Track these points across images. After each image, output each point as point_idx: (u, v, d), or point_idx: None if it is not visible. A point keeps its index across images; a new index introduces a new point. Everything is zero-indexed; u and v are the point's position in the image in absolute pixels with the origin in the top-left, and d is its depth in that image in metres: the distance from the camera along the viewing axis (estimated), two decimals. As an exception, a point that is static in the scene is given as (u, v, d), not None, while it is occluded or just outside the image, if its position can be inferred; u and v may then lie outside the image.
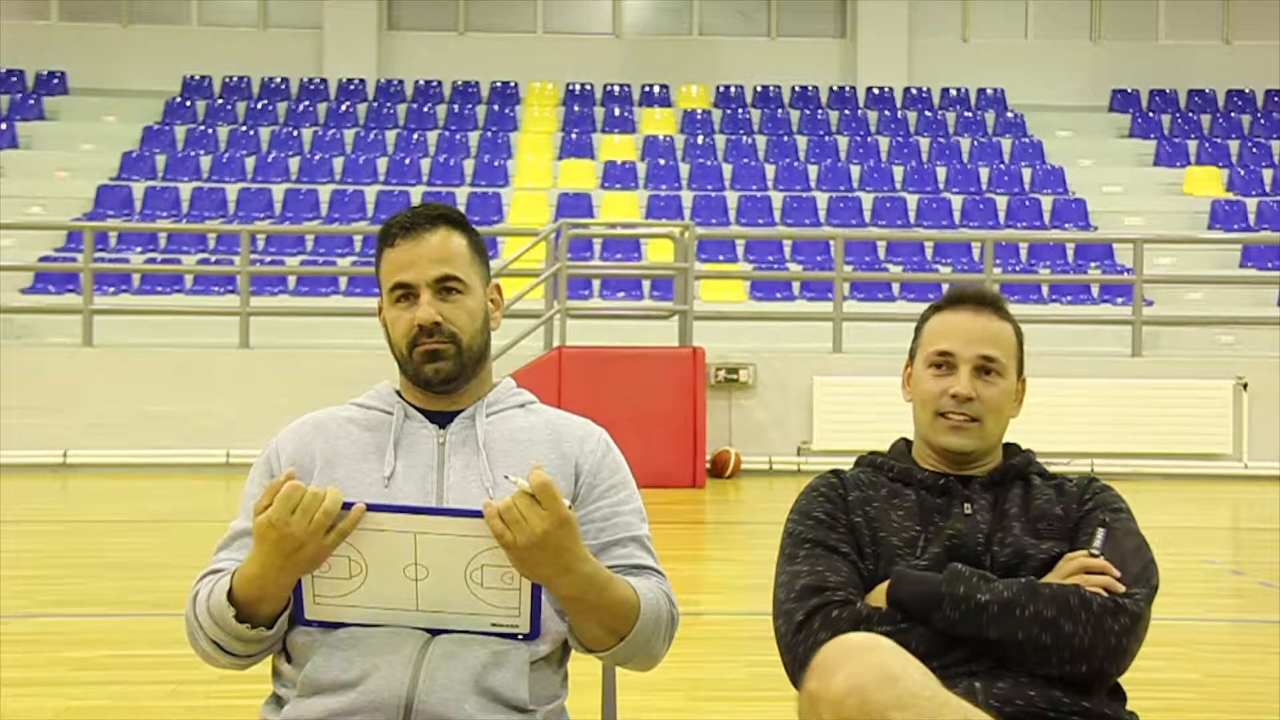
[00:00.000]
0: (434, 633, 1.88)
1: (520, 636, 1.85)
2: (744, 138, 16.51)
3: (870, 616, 1.99)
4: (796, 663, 1.99)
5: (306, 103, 16.93)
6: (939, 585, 1.99)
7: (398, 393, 2.12)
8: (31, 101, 16.59)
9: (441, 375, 2.04)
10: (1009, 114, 17.09)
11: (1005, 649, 1.95)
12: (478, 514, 1.78)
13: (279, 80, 17.24)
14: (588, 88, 17.43)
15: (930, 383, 2.20)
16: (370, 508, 1.80)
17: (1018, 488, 2.19)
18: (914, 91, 17.47)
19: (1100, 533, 2.07)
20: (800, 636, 2.00)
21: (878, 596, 2.04)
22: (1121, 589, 1.99)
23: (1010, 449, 2.27)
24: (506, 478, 1.83)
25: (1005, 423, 2.22)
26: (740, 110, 17.20)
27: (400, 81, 17.39)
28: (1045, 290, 13.40)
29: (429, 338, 2.03)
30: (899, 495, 2.17)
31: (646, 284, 13.48)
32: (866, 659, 1.68)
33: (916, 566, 2.07)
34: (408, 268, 2.04)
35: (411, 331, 2.03)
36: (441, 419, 2.07)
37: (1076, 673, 1.95)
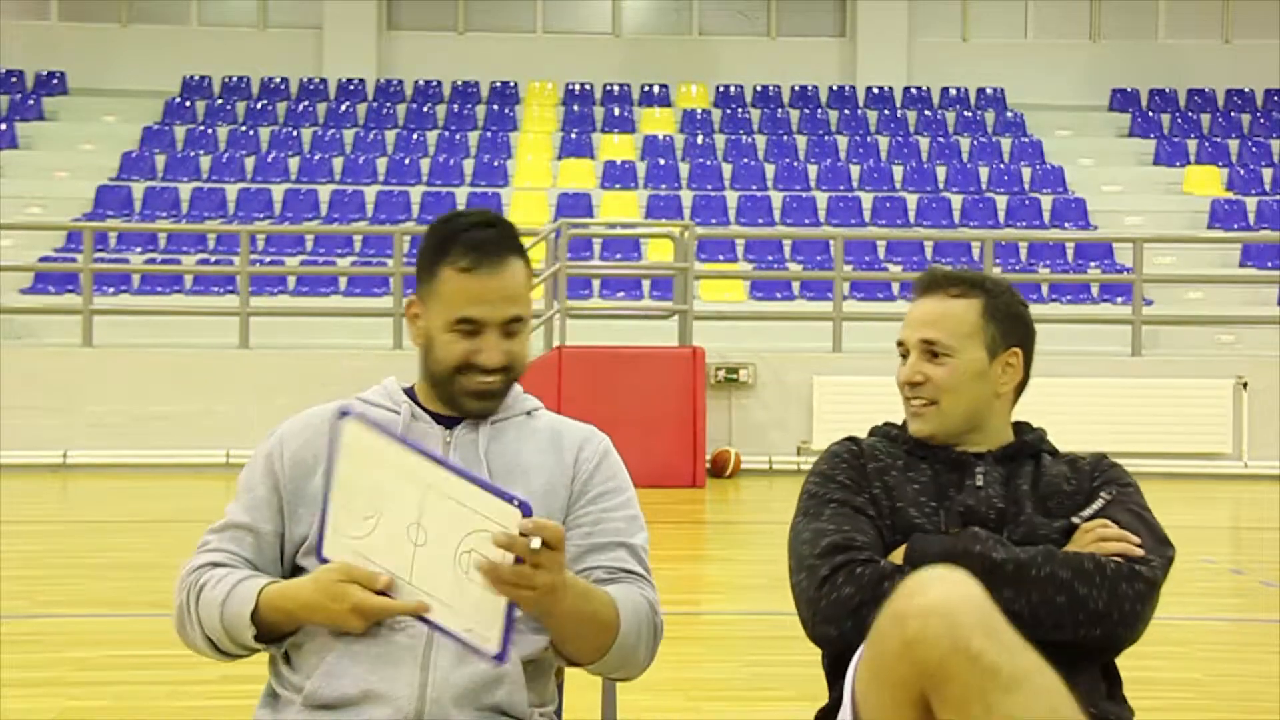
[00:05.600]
0: (432, 631, 1.88)
1: (490, 656, 1.74)
2: (744, 137, 16.51)
3: (894, 573, 1.99)
4: (817, 615, 2.02)
5: (306, 103, 16.93)
6: (955, 544, 2.00)
7: (406, 391, 2.10)
8: (31, 101, 16.58)
9: (487, 410, 2.04)
10: (1009, 113, 17.09)
11: (1020, 611, 1.92)
12: (495, 490, 1.71)
13: (279, 80, 17.24)
14: (587, 88, 17.43)
15: (899, 372, 2.23)
16: (408, 444, 1.78)
17: (1029, 465, 2.19)
18: (914, 91, 17.47)
19: (1098, 503, 2.09)
20: (824, 590, 2.02)
21: (896, 558, 2.06)
22: (1139, 553, 2.02)
23: (1021, 427, 2.28)
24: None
25: (976, 398, 2.19)
26: (740, 110, 17.20)
27: (400, 81, 17.39)
28: (1045, 290, 13.39)
29: (486, 375, 1.99)
30: (914, 469, 2.18)
31: (646, 284, 13.48)
32: (960, 586, 1.69)
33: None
34: (479, 302, 1.97)
35: (464, 361, 1.99)
36: (449, 420, 2.05)
37: (1090, 637, 1.96)
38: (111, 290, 13.05)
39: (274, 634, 1.93)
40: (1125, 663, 2.08)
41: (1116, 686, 2.08)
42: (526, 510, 1.68)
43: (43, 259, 13.28)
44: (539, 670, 1.98)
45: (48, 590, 5.73)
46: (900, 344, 2.23)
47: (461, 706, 1.87)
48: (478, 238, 1.98)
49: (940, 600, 1.65)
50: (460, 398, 2.01)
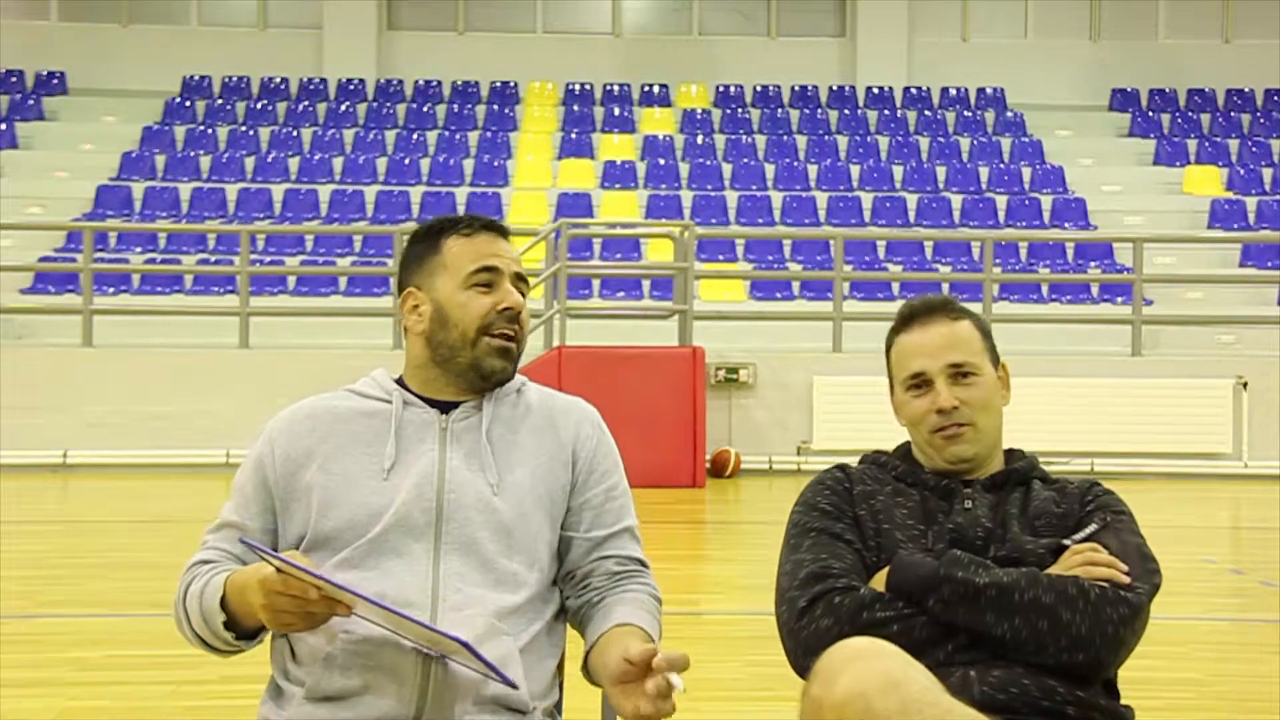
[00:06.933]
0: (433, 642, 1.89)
1: (515, 687, 1.89)
2: (744, 137, 16.51)
3: (873, 602, 2.00)
4: (799, 648, 2.02)
5: (306, 103, 16.93)
6: (937, 569, 1.99)
7: (396, 380, 2.10)
8: (31, 101, 16.59)
9: (506, 374, 2.07)
10: (1009, 113, 17.09)
11: (1002, 636, 1.95)
12: (447, 636, 1.79)
13: (279, 80, 17.24)
14: (587, 88, 17.43)
15: (915, 405, 2.22)
16: (356, 595, 1.80)
17: (1018, 492, 2.19)
18: (914, 91, 17.47)
19: (1091, 528, 2.08)
20: (803, 623, 2.01)
21: (878, 583, 2.05)
22: (1125, 580, 1.99)
23: (1013, 454, 2.27)
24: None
25: (999, 414, 2.24)
26: (740, 110, 17.20)
27: (400, 81, 17.39)
28: (1045, 290, 13.40)
29: (509, 324, 2.06)
30: (903, 494, 2.18)
31: (646, 284, 13.49)
32: (870, 665, 1.68)
33: None
34: (495, 255, 2.08)
35: (490, 315, 2.05)
36: (443, 405, 2.05)
37: (1073, 662, 1.95)
38: (111, 290, 13.06)
39: (244, 624, 1.93)
40: (1125, 662, 2.08)
41: (1113, 685, 2.08)
42: (471, 648, 1.78)
43: (43, 259, 13.29)
44: (538, 662, 1.98)
45: (48, 590, 5.72)
46: (916, 376, 2.21)
47: (463, 700, 1.88)
48: (473, 215, 2.15)
49: (851, 689, 1.65)
50: (485, 360, 2.04)
